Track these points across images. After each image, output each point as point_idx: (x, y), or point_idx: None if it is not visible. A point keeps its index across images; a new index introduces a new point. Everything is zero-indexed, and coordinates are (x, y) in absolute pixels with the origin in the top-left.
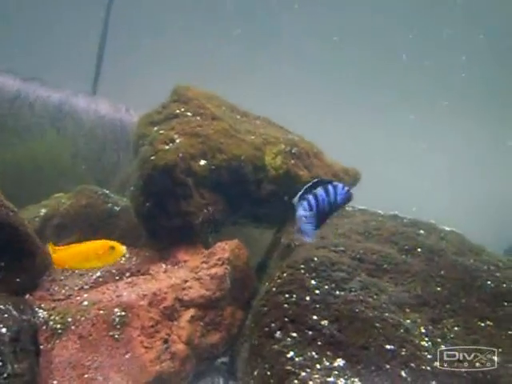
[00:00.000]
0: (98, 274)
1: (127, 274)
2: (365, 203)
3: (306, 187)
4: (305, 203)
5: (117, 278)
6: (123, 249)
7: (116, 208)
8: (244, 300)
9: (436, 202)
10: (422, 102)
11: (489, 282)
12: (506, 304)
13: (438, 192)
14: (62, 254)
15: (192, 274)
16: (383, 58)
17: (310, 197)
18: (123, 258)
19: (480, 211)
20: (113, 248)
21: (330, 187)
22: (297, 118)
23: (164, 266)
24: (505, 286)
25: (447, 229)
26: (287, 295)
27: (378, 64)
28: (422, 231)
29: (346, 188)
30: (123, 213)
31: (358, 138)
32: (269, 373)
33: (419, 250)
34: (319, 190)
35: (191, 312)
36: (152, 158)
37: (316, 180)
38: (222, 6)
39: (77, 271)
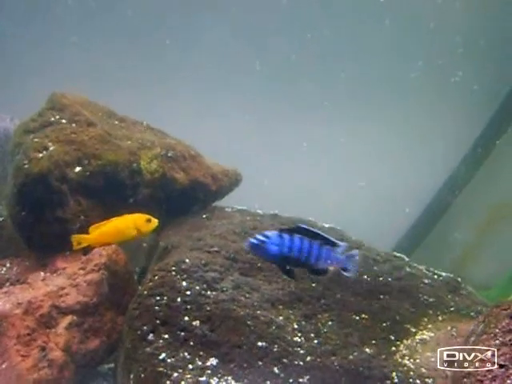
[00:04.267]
0: None
1: (7, 284)
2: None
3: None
4: (273, 235)
5: None
6: (156, 221)
7: None
8: (125, 305)
9: (326, 200)
10: (306, 101)
11: (365, 276)
12: (381, 297)
13: (328, 190)
14: (100, 231)
15: (69, 280)
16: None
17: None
18: (4, 269)
19: (371, 207)
20: (149, 220)
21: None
22: (180, 121)
23: (43, 274)
24: (381, 279)
25: (326, 225)
26: (158, 297)
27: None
28: None
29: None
30: (6, 223)
31: (239, 141)
32: (143, 375)
33: None
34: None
35: (68, 319)
36: (25, 166)
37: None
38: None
39: None
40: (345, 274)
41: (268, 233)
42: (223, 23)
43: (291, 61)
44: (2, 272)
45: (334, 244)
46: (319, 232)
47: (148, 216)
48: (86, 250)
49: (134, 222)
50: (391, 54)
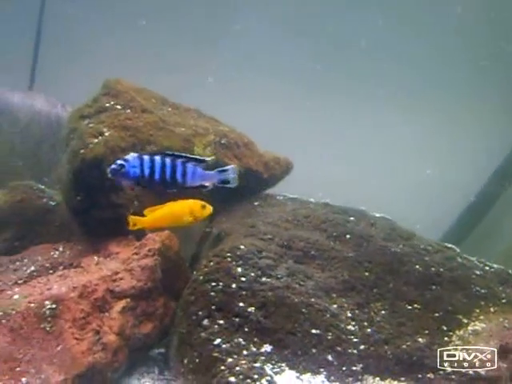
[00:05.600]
0: (33, 268)
1: (60, 268)
2: (303, 194)
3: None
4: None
5: (50, 271)
6: (211, 207)
7: (51, 203)
8: (176, 290)
9: (375, 190)
10: (357, 90)
11: (417, 266)
12: (433, 287)
13: (377, 179)
14: (155, 215)
15: (123, 265)
16: (316, 48)
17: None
18: (57, 253)
19: (418, 197)
20: (204, 206)
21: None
22: (227, 106)
23: (96, 258)
24: (433, 269)
25: (377, 215)
26: (214, 283)
27: (311, 54)
28: (352, 218)
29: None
30: (59, 207)
31: (292, 128)
32: (197, 360)
33: (348, 236)
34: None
35: (122, 303)
36: (81, 151)
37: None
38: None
39: (11, 266)
40: (227, 185)
41: (127, 156)
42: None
43: (360, 48)
44: (55, 256)
45: (200, 161)
46: (182, 154)
47: (203, 202)
48: (140, 235)
49: (189, 208)
50: (457, 42)
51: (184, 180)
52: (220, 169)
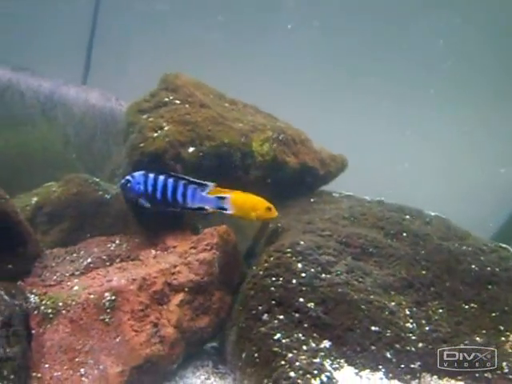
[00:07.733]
0: (89, 260)
1: (117, 260)
2: (353, 191)
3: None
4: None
5: (107, 263)
6: (276, 213)
7: (106, 196)
8: (233, 285)
9: (424, 189)
10: (408, 90)
11: (473, 266)
12: (489, 287)
13: (426, 179)
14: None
15: (181, 259)
16: (370, 48)
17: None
18: (113, 245)
19: (468, 197)
20: (269, 208)
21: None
22: (280, 105)
23: (153, 251)
24: (489, 269)
25: (432, 214)
26: (274, 278)
27: (363, 54)
28: (407, 216)
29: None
30: (114, 200)
31: (344, 127)
32: (256, 354)
33: (404, 234)
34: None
35: (180, 296)
36: (141, 145)
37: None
38: None
39: (67, 258)
40: (224, 212)
41: (135, 173)
42: None
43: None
44: (112, 248)
45: (201, 185)
46: (185, 176)
47: (270, 205)
48: (197, 231)
49: (254, 205)
50: None
51: (184, 201)
52: (218, 195)
